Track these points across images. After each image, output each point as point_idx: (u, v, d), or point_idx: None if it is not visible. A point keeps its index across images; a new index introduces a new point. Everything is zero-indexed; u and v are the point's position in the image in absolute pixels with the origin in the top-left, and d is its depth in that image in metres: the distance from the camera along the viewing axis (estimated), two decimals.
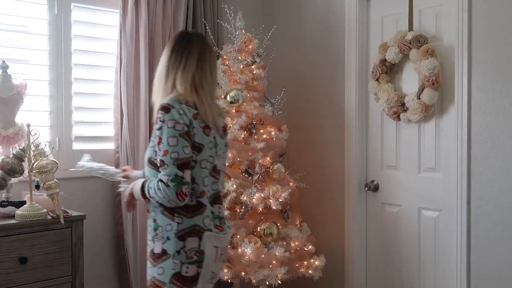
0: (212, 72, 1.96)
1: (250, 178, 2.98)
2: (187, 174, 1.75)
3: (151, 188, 1.78)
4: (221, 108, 2.13)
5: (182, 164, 1.73)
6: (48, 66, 2.95)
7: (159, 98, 1.89)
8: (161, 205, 1.80)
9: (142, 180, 1.93)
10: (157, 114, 1.81)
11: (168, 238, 1.79)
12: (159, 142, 1.76)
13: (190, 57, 1.92)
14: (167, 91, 1.89)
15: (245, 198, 2.90)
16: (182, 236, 1.78)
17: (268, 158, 3.03)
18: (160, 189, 1.74)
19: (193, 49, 1.93)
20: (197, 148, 1.80)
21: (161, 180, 1.74)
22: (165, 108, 1.78)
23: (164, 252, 1.78)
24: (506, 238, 2.62)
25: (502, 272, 2.64)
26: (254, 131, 3.06)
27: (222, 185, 1.96)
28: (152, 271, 1.82)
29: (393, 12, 3.13)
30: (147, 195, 1.81)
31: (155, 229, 1.84)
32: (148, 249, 1.89)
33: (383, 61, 3.08)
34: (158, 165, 1.76)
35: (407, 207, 3.09)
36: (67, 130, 3.01)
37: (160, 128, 1.77)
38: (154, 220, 1.86)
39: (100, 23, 3.16)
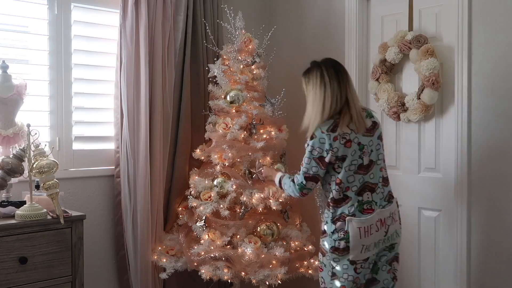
0: (351, 86, 2.43)
1: (252, 178, 2.99)
2: (309, 184, 2.41)
3: (285, 184, 2.54)
4: (365, 110, 2.45)
5: (308, 177, 2.39)
6: (48, 66, 2.95)
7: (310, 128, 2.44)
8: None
9: (282, 173, 2.66)
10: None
11: (326, 222, 2.40)
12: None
13: (318, 88, 2.41)
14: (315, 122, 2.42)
15: (244, 198, 2.91)
16: (334, 220, 2.36)
17: (268, 158, 3.03)
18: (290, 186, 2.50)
19: (318, 77, 2.42)
20: (342, 158, 2.33)
21: (292, 181, 2.49)
22: (311, 137, 2.39)
23: (324, 231, 2.41)
24: (505, 238, 2.62)
25: (502, 272, 2.64)
26: (254, 131, 3.06)
27: (374, 175, 2.38)
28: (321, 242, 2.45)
29: (393, 12, 3.14)
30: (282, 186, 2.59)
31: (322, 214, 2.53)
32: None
33: (383, 61, 3.08)
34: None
35: (407, 207, 3.08)
36: (67, 130, 3.01)
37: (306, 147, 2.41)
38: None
39: (100, 23, 3.16)
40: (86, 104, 3.13)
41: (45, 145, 2.78)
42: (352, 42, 3.29)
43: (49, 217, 2.48)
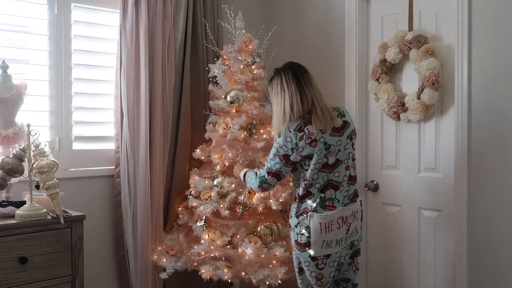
0: (313, 86, 2.44)
1: None
2: (270, 179, 2.48)
3: (249, 177, 2.62)
4: (336, 110, 2.46)
5: (270, 172, 2.47)
6: (48, 66, 2.95)
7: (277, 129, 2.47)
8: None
9: (247, 169, 2.74)
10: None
11: (290, 216, 2.49)
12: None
13: (279, 93, 2.46)
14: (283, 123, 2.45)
15: (242, 198, 2.91)
16: (297, 215, 2.44)
17: None
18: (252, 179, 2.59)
19: (278, 84, 2.47)
20: (308, 157, 2.38)
21: (256, 174, 2.57)
22: (279, 134, 2.44)
23: (290, 225, 2.51)
24: (506, 238, 2.62)
25: (502, 272, 2.64)
26: (254, 131, 3.06)
27: (340, 173, 2.42)
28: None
29: (393, 12, 3.14)
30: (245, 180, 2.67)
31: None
32: None
33: (383, 61, 3.08)
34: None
35: (407, 207, 3.09)
36: (67, 130, 3.01)
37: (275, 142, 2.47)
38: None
39: (100, 23, 3.16)
40: (86, 104, 3.13)
41: (45, 145, 2.78)
42: (352, 42, 3.29)
43: (49, 217, 2.48)
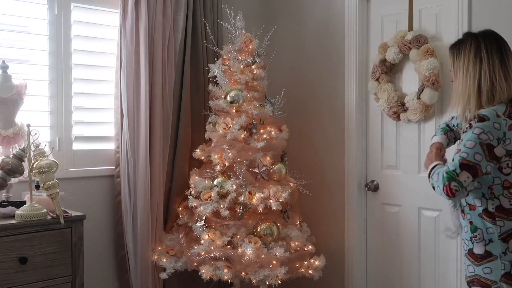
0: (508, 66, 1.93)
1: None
2: (463, 175, 1.84)
3: (434, 173, 1.97)
4: None
5: (465, 165, 1.83)
6: (48, 66, 2.95)
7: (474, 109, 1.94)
8: (483, 210, 1.93)
9: (437, 163, 2.06)
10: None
11: (491, 240, 1.89)
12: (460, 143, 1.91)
13: (479, 61, 1.94)
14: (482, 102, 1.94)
15: (242, 198, 2.91)
16: (505, 238, 1.88)
17: (268, 158, 3.03)
18: (437, 174, 1.93)
19: (473, 50, 1.96)
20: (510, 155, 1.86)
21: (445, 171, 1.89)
22: (480, 118, 1.87)
23: (489, 254, 1.89)
24: None
25: None
26: (254, 131, 3.06)
27: None
28: (475, 269, 1.93)
29: (393, 12, 3.14)
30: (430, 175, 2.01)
31: (473, 231, 1.96)
32: (465, 248, 2.01)
33: (383, 61, 3.08)
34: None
35: (407, 207, 3.09)
36: (67, 130, 3.01)
37: (465, 132, 1.90)
38: (471, 223, 1.98)
39: (100, 23, 3.16)
40: (86, 104, 3.13)
41: (45, 145, 2.78)
42: (352, 42, 3.29)
43: (49, 217, 2.48)
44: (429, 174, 2.02)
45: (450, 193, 1.85)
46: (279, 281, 2.79)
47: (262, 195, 2.89)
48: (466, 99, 1.94)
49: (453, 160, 1.89)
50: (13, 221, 2.39)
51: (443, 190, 1.87)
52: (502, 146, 1.84)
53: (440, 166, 1.99)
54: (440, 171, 1.92)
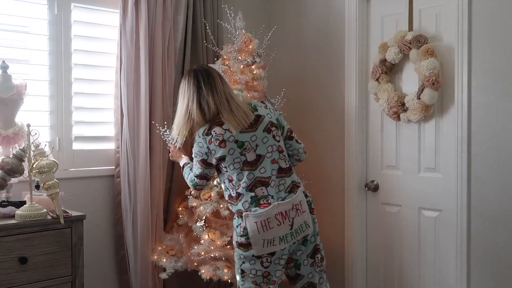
0: (215, 90, 2.45)
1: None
2: (200, 181, 2.57)
3: (185, 173, 2.68)
4: (250, 105, 2.48)
5: (197, 176, 2.55)
6: (48, 66, 2.95)
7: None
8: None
9: (186, 161, 2.77)
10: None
11: (235, 217, 2.45)
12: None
13: (188, 94, 2.48)
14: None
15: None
16: (236, 217, 2.41)
17: None
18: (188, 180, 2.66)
19: (189, 87, 2.48)
20: (221, 158, 2.39)
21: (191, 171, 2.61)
22: (195, 140, 2.47)
23: (233, 225, 2.48)
24: (506, 238, 2.62)
25: (502, 272, 2.64)
26: None
27: (266, 169, 2.38)
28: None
29: (393, 12, 3.14)
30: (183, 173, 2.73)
31: None
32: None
33: (383, 61, 3.08)
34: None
35: (407, 207, 3.09)
36: (67, 130, 3.01)
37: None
38: None
39: (100, 23, 3.16)
40: (86, 104, 3.13)
41: (45, 145, 2.78)
42: (352, 42, 3.29)
43: (49, 217, 2.48)
44: (182, 170, 2.73)
45: (198, 190, 2.68)
46: None
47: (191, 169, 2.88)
48: (178, 124, 2.52)
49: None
50: (13, 221, 2.39)
51: (194, 189, 2.66)
52: (211, 157, 2.42)
53: (187, 166, 2.69)
54: (188, 173, 2.65)
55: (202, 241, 2.88)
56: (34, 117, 2.83)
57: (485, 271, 2.71)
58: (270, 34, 3.30)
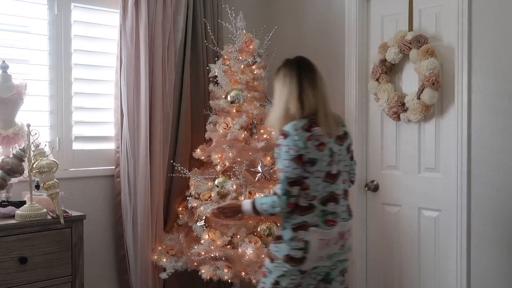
0: (317, 87, 2.30)
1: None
2: (294, 189, 2.18)
3: (261, 203, 2.27)
4: (338, 117, 2.36)
5: (292, 182, 2.18)
6: (48, 66, 2.95)
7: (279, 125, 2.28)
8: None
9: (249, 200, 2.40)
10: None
11: (285, 228, 2.25)
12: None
13: (283, 86, 2.31)
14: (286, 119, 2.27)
15: (242, 198, 2.90)
16: (295, 228, 2.21)
17: (269, 158, 3.03)
18: (268, 202, 2.25)
19: (291, 74, 2.31)
20: (311, 162, 2.18)
21: (275, 194, 2.23)
22: (284, 136, 2.20)
23: (280, 237, 2.27)
24: (506, 238, 2.62)
25: (502, 272, 2.64)
26: (254, 131, 3.06)
27: (338, 186, 2.26)
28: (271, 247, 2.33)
29: (393, 12, 3.14)
30: (258, 209, 2.30)
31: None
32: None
33: (383, 61, 3.08)
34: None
35: (407, 207, 3.09)
36: (67, 130, 3.01)
37: (278, 150, 2.22)
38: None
39: (100, 23, 3.16)
40: (86, 104, 3.13)
41: (45, 145, 2.78)
42: (352, 42, 3.29)
43: (49, 217, 2.48)
44: (254, 209, 2.31)
45: (292, 206, 2.21)
46: None
47: (262, 195, 2.89)
48: (279, 116, 2.28)
49: (280, 179, 2.21)
50: (13, 221, 2.39)
51: (288, 207, 2.19)
52: (305, 154, 2.17)
53: (256, 198, 2.37)
54: (268, 199, 2.25)
55: (202, 241, 2.88)
56: (34, 117, 2.82)
57: (485, 271, 2.71)
58: (270, 34, 3.30)
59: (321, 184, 2.20)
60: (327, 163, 2.21)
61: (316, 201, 2.20)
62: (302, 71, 2.30)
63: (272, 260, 2.27)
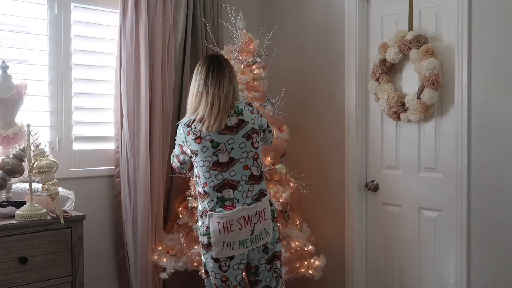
0: (213, 85, 2.44)
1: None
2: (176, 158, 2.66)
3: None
4: (233, 108, 2.46)
5: (176, 156, 2.68)
6: (48, 66, 2.95)
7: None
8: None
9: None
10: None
11: (198, 216, 2.51)
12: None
13: (192, 82, 2.53)
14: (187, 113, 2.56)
15: None
16: (201, 215, 2.45)
17: (269, 158, 3.03)
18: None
19: (195, 75, 2.52)
20: (193, 153, 2.44)
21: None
22: (176, 126, 2.56)
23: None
24: (506, 238, 2.63)
25: (502, 272, 2.64)
26: None
27: (236, 172, 2.40)
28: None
29: (393, 12, 3.14)
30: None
31: None
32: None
33: (383, 61, 3.08)
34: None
35: (407, 207, 3.09)
36: (67, 130, 3.01)
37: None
38: None
39: (100, 23, 3.16)
40: (86, 104, 3.13)
41: (45, 145, 2.78)
42: (352, 42, 3.29)
43: (49, 217, 2.48)
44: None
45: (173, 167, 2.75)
46: None
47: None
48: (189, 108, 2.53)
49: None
50: (13, 221, 2.39)
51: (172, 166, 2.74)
52: (186, 147, 2.48)
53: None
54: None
55: None
56: (34, 117, 2.83)
57: (485, 271, 2.71)
58: (270, 34, 3.30)
59: (209, 172, 2.39)
60: (212, 153, 2.39)
61: (208, 187, 2.40)
62: (209, 69, 2.47)
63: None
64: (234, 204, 2.37)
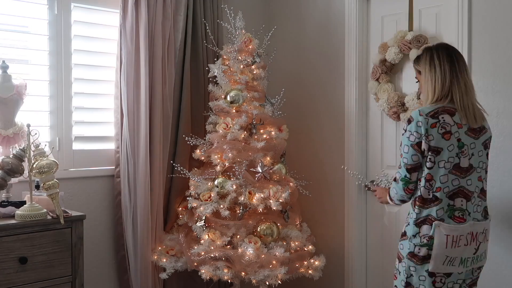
0: (462, 76, 2.18)
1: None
2: (413, 176, 2.16)
3: (391, 191, 2.28)
4: (480, 111, 2.21)
5: (410, 169, 2.15)
6: (48, 66, 2.95)
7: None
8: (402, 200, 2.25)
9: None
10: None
11: (408, 223, 2.20)
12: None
13: (428, 71, 2.21)
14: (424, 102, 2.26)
15: (242, 198, 2.90)
16: (417, 222, 2.15)
17: (268, 158, 3.03)
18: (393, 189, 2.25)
19: (425, 63, 2.22)
20: (435, 151, 2.09)
21: (394, 180, 2.24)
22: (408, 121, 2.17)
23: (404, 233, 2.22)
24: (506, 238, 2.62)
25: (502, 272, 2.64)
26: (254, 131, 3.06)
27: (472, 182, 2.14)
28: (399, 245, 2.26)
29: (393, 12, 3.14)
30: (391, 196, 2.31)
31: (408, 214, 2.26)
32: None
33: (383, 61, 3.08)
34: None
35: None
36: (67, 130, 3.01)
37: (402, 135, 2.21)
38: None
39: (100, 23, 3.16)
40: (86, 104, 3.13)
41: (45, 145, 2.78)
42: (352, 42, 3.29)
43: (49, 217, 2.48)
44: (389, 196, 2.32)
45: (409, 191, 2.19)
46: (279, 281, 2.80)
47: (262, 195, 2.89)
48: (426, 98, 2.22)
49: (399, 166, 2.21)
50: (13, 221, 2.39)
51: (405, 192, 2.19)
52: (425, 142, 2.10)
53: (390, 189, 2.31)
54: (392, 185, 2.26)
55: (202, 241, 2.88)
56: (34, 117, 2.82)
57: (485, 271, 2.70)
58: (270, 34, 3.30)
59: (447, 175, 2.10)
60: (455, 154, 2.10)
61: (441, 193, 2.10)
62: (451, 55, 2.19)
63: (399, 260, 2.22)
64: (465, 217, 2.10)
